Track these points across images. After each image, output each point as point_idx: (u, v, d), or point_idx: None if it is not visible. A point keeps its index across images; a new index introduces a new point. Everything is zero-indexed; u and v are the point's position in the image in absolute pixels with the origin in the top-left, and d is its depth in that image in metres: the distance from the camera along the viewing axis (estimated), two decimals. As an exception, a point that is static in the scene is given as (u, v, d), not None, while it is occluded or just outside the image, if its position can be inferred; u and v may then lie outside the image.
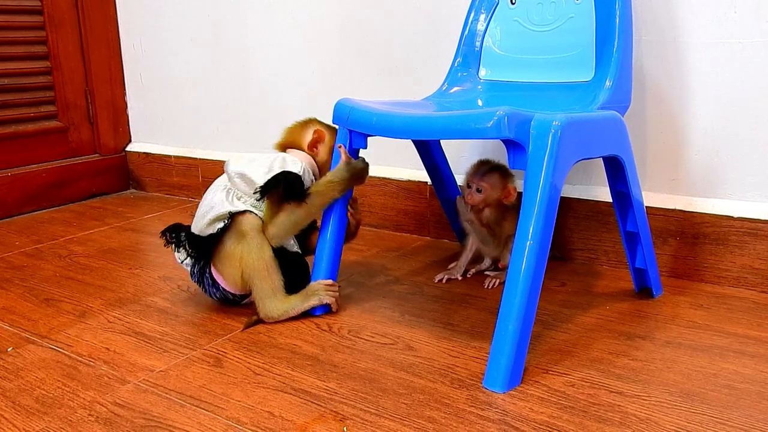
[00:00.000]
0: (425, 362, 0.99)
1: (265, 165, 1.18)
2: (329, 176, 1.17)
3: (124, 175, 2.24)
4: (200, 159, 2.05)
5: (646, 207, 1.28)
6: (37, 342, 1.10)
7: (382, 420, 0.84)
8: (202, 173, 2.05)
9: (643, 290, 1.22)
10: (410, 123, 0.97)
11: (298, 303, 1.15)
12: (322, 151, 1.25)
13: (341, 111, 1.11)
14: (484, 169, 1.26)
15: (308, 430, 0.83)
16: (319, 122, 1.30)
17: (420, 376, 0.95)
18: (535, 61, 1.21)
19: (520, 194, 1.26)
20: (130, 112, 2.23)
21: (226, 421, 0.85)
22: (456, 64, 1.30)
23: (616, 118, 1.02)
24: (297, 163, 1.18)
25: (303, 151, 1.26)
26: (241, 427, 0.84)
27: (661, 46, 1.25)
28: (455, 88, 1.27)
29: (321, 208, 1.18)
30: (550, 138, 0.89)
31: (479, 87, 1.24)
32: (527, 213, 0.90)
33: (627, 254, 1.18)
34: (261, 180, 1.15)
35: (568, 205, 1.40)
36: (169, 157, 2.12)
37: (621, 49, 1.07)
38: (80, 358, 1.03)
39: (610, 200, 1.34)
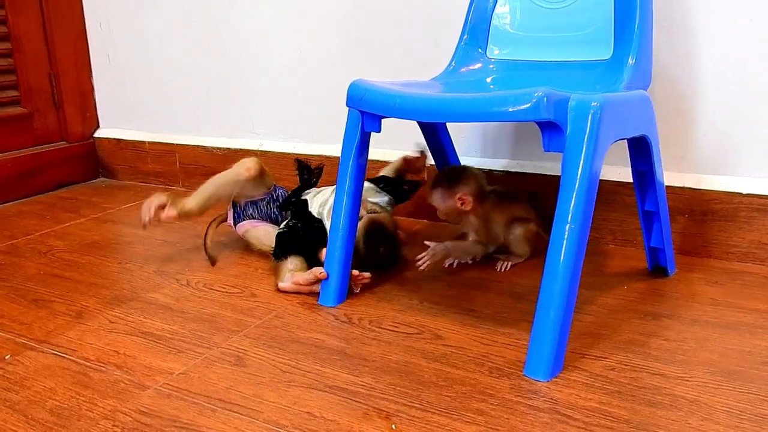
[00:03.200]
0: (458, 351, 0.96)
1: None
2: None
3: (93, 163, 2.13)
4: (178, 145, 1.95)
5: (655, 185, 1.28)
6: (35, 348, 1.02)
7: (430, 415, 0.81)
8: (180, 160, 1.96)
9: (657, 269, 1.22)
10: (440, 105, 0.92)
11: None
12: None
13: (355, 92, 1.06)
14: (431, 186, 1.25)
15: (354, 430, 0.79)
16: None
17: (456, 366, 0.92)
18: (548, 39, 1.18)
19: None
20: (98, 96, 2.11)
21: (265, 424, 0.80)
22: (463, 42, 1.26)
23: (645, 97, 1.01)
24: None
25: None
26: (282, 431, 0.79)
27: (669, 26, 1.24)
28: (464, 68, 1.23)
29: None
30: (589, 119, 0.86)
31: (491, 66, 1.20)
32: (566, 197, 0.87)
33: (643, 233, 1.18)
34: None
35: (573, 185, 1.38)
36: (143, 143, 2.02)
37: (643, 25, 1.05)
38: (88, 363, 0.96)
39: (617, 179, 1.34)
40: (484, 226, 1.26)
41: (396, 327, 1.04)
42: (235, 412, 0.83)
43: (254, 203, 1.41)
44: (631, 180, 1.29)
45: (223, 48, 1.80)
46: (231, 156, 1.85)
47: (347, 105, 1.09)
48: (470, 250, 1.28)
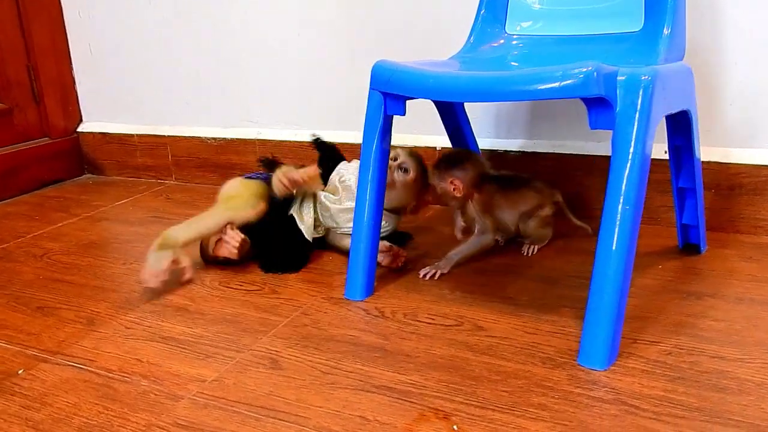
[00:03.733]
0: (503, 342, 0.92)
1: None
2: None
3: (77, 159, 2.03)
4: (169, 137, 1.87)
5: (679, 160, 1.25)
6: (49, 359, 0.95)
7: (490, 412, 0.77)
8: (172, 152, 1.87)
9: (688, 246, 1.19)
10: (481, 84, 0.87)
11: None
12: None
13: (380, 73, 1.00)
14: (433, 165, 1.20)
15: (413, 433, 0.74)
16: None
17: (505, 358, 0.88)
18: (572, 12, 1.13)
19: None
20: (79, 88, 2.01)
21: (316, 432, 0.75)
22: (480, 17, 1.20)
23: (688, 69, 0.97)
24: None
25: None
26: (336, 438, 0.74)
27: (691, -8, 1.20)
28: (485, 45, 1.17)
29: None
30: (641, 93, 0.82)
31: (514, 42, 1.15)
32: (619, 176, 0.83)
33: (676, 210, 1.14)
34: None
35: (592, 163, 1.35)
36: (131, 136, 1.93)
37: (678, -7, 1.01)
38: (111, 375, 0.90)
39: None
40: (485, 213, 1.19)
41: (433, 319, 1.00)
42: (282, 420, 0.77)
43: None
44: (656, 156, 1.26)
45: (214, 32, 1.72)
46: (227, 146, 1.78)
47: (372, 87, 1.03)
48: (473, 249, 1.19)
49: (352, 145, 1.59)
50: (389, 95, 1.03)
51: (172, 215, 1.59)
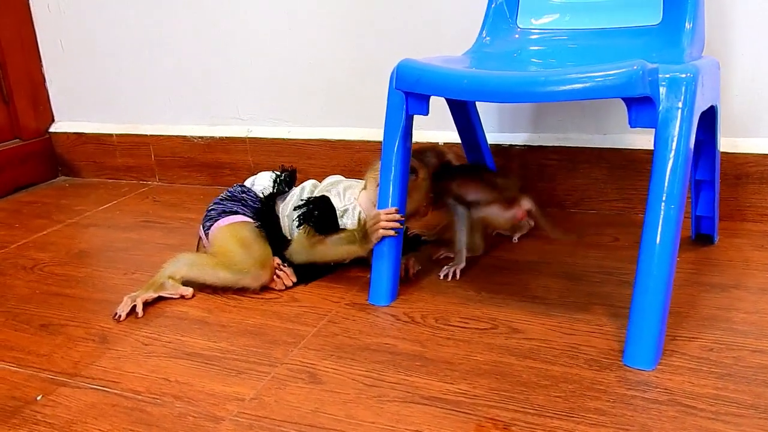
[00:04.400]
0: (543, 345, 0.91)
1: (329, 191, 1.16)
2: (348, 230, 1.09)
3: (51, 160, 1.93)
4: (151, 136, 1.79)
5: (687, 151, 1.26)
6: (68, 383, 0.89)
7: (549, 420, 0.75)
8: (155, 152, 1.80)
9: (700, 237, 1.20)
10: (518, 84, 0.84)
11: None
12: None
13: (407, 73, 0.97)
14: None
15: (476, 445, 0.72)
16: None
17: (550, 361, 0.87)
18: (586, 5, 1.12)
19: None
20: (50, 86, 1.91)
21: (375, 450, 0.73)
22: (491, 12, 1.18)
23: (717, 64, 0.97)
24: (345, 198, 1.13)
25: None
26: (398, 456, 0.72)
27: (697, -16, 1.20)
28: (498, 40, 1.15)
29: (334, 256, 1.12)
30: (683, 90, 0.81)
31: (531, 37, 1.14)
32: (662, 174, 0.82)
33: (692, 202, 1.15)
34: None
35: (600, 156, 1.35)
36: (110, 135, 1.85)
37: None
38: (140, 397, 0.85)
39: (648, 147, 1.31)
40: (446, 196, 1.17)
41: (466, 323, 0.98)
42: (336, 439, 0.75)
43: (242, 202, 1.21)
44: (662, 148, 1.26)
45: (199, 25, 1.65)
46: (215, 145, 1.72)
47: (396, 87, 1.00)
48: (464, 227, 1.16)
49: (348, 141, 1.56)
50: (411, 95, 1.01)
51: (163, 219, 1.53)
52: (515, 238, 1.26)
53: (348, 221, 1.11)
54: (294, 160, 1.62)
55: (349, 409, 0.80)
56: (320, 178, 1.25)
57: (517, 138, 1.42)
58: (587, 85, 0.81)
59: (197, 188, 1.75)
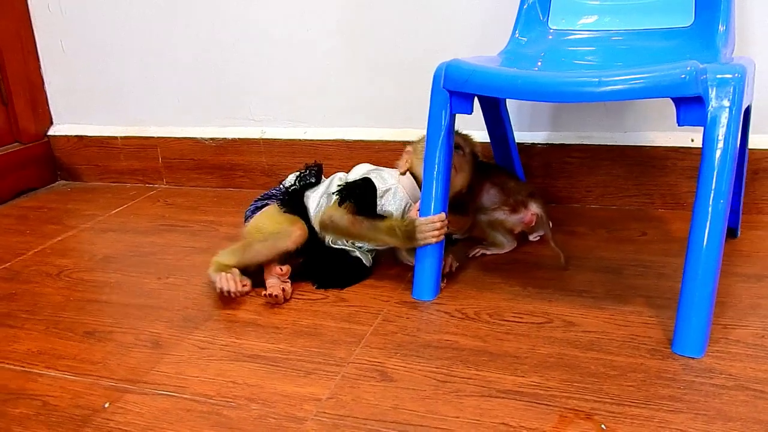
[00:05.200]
0: (602, 337, 0.93)
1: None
2: (391, 222, 1.10)
3: (50, 165, 1.89)
4: (159, 138, 1.76)
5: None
6: (132, 389, 0.88)
7: (628, 408, 0.78)
8: (162, 154, 1.77)
9: (723, 229, 1.25)
10: (574, 85, 0.86)
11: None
12: (416, 163, 1.17)
13: (457, 73, 0.98)
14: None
15: (564, 435, 0.75)
16: (416, 142, 1.22)
17: (612, 352, 0.89)
18: (617, 7, 1.16)
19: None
20: (49, 88, 1.86)
21: (467, 443, 0.74)
22: (524, 12, 1.21)
23: (753, 64, 1.01)
24: (386, 180, 1.15)
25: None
26: (491, 448, 0.73)
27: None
28: (532, 41, 1.18)
29: (369, 240, 1.12)
30: (731, 91, 0.85)
31: (567, 37, 1.16)
32: (710, 171, 0.86)
33: (719, 197, 1.20)
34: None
35: (621, 153, 1.39)
36: (114, 138, 1.81)
37: (731, -11, 1.05)
38: (213, 401, 0.84)
39: (667, 144, 1.36)
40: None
41: (521, 318, 1.00)
42: (425, 435, 0.76)
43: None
44: (683, 144, 1.32)
45: (207, 21, 1.63)
46: (227, 147, 1.70)
47: (443, 86, 1.01)
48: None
49: (368, 142, 1.57)
50: (456, 94, 1.02)
51: (182, 222, 1.51)
52: (532, 236, 1.28)
53: (387, 203, 1.14)
54: (311, 161, 1.62)
55: (429, 405, 0.81)
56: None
57: (537, 137, 1.45)
58: (642, 84, 0.84)
59: (209, 190, 1.74)
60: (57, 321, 1.08)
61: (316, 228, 1.15)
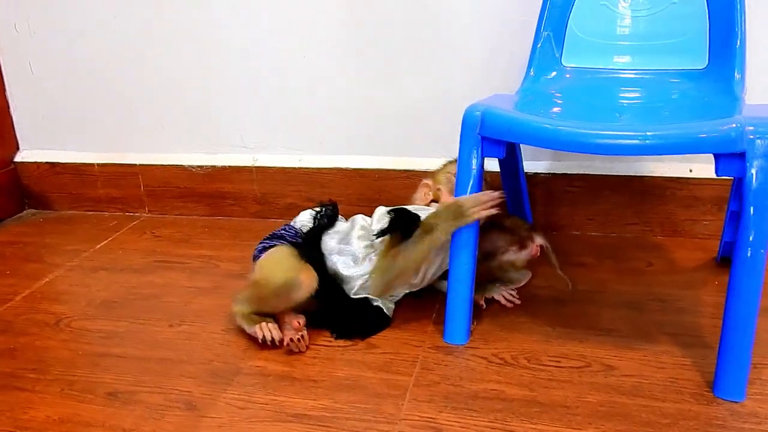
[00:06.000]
0: (644, 381, 0.95)
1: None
2: (424, 223, 1.07)
3: (16, 193, 1.77)
4: (140, 165, 1.69)
5: (703, 179, 1.37)
6: (178, 461, 0.84)
7: (690, 461, 0.80)
8: (144, 182, 1.69)
9: (724, 260, 1.30)
10: (624, 138, 0.88)
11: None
12: (438, 193, 1.18)
13: (496, 122, 0.98)
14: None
15: (637, 494, 0.76)
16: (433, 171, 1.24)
17: (658, 398, 0.91)
18: (631, 47, 1.18)
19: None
20: (15, 112, 1.75)
21: (545, 508, 0.74)
22: (537, 51, 1.21)
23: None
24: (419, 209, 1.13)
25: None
26: None
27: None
28: (548, 79, 1.19)
29: (420, 257, 1.08)
30: None
31: (586, 76, 1.18)
32: (748, 220, 0.88)
33: (725, 229, 1.25)
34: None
35: (621, 183, 1.42)
36: (91, 165, 1.72)
37: (743, 37, 1.09)
38: (269, 470, 0.81)
39: (666, 174, 1.40)
40: None
41: (558, 362, 1.01)
42: (501, 500, 0.75)
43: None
44: (680, 175, 1.37)
45: (193, 42, 1.56)
46: (217, 175, 1.65)
47: (482, 134, 1.01)
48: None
49: (366, 170, 1.55)
50: (486, 138, 1.02)
51: (177, 258, 1.45)
52: (516, 284, 1.25)
53: None
54: (306, 189, 1.60)
55: (495, 466, 0.80)
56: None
57: (539, 166, 1.46)
58: (689, 141, 0.86)
59: (196, 219, 1.67)
60: (71, 381, 1.02)
61: (375, 295, 1.12)
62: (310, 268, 1.08)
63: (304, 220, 1.22)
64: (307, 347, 1.06)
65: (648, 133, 0.88)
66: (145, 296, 1.28)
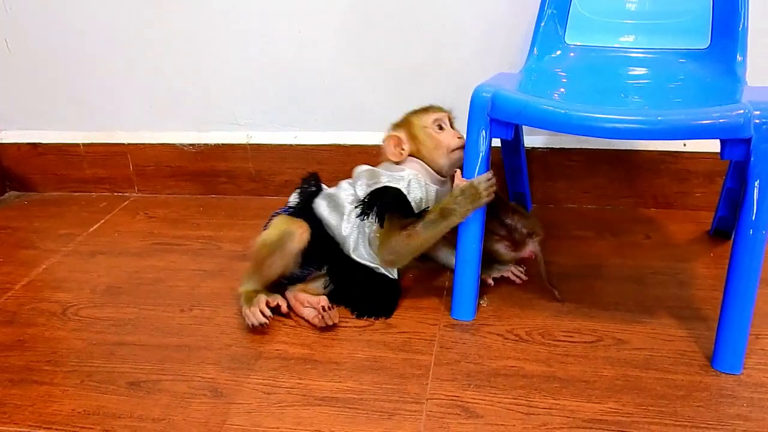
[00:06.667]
0: (655, 354, 0.99)
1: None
2: (441, 205, 1.07)
3: (-2, 174, 1.72)
4: (129, 144, 1.65)
5: (696, 153, 1.41)
6: (213, 449, 0.85)
7: (706, 431, 0.84)
8: (133, 161, 1.66)
9: (717, 232, 1.35)
10: (636, 123, 0.89)
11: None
12: (419, 145, 1.16)
13: (508, 105, 0.98)
14: None
15: (662, 464, 0.80)
16: (398, 123, 1.22)
17: (670, 371, 0.96)
18: (634, 26, 1.19)
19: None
20: (-7, 92, 1.68)
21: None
22: (541, 29, 1.22)
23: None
24: (400, 176, 1.13)
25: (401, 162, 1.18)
26: (602, 485, 0.77)
27: None
28: (552, 59, 1.20)
29: (435, 238, 1.08)
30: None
31: (590, 55, 1.19)
32: (751, 203, 0.91)
33: (719, 204, 1.29)
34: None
35: (618, 157, 1.45)
36: (76, 145, 1.67)
37: (746, 19, 1.11)
38: (306, 455, 0.83)
39: (662, 149, 1.43)
40: None
41: (571, 337, 1.04)
42: (535, 476, 0.79)
43: None
44: (674, 149, 1.40)
45: (182, 14, 1.51)
46: (210, 153, 1.62)
47: (492, 116, 1.01)
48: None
49: (362, 146, 1.54)
50: (495, 120, 1.03)
51: (176, 239, 1.44)
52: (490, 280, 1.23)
53: (414, 194, 1.11)
54: (303, 166, 1.58)
55: (525, 442, 0.84)
56: (333, 183, 1.23)
57: (536, 141, 1.48)
58: (698, 126, 0.88)
59: (189, 198, 1.65)
60: (89, 372, 1.01)
61: (380, 263, 1.12)
62: (303, 221, 1.12)
63: (292, 199, 1.22)
64: (335, 324, 1.08)
65: (659, 118, 0.90)
66: (149, 281, 1.27)
